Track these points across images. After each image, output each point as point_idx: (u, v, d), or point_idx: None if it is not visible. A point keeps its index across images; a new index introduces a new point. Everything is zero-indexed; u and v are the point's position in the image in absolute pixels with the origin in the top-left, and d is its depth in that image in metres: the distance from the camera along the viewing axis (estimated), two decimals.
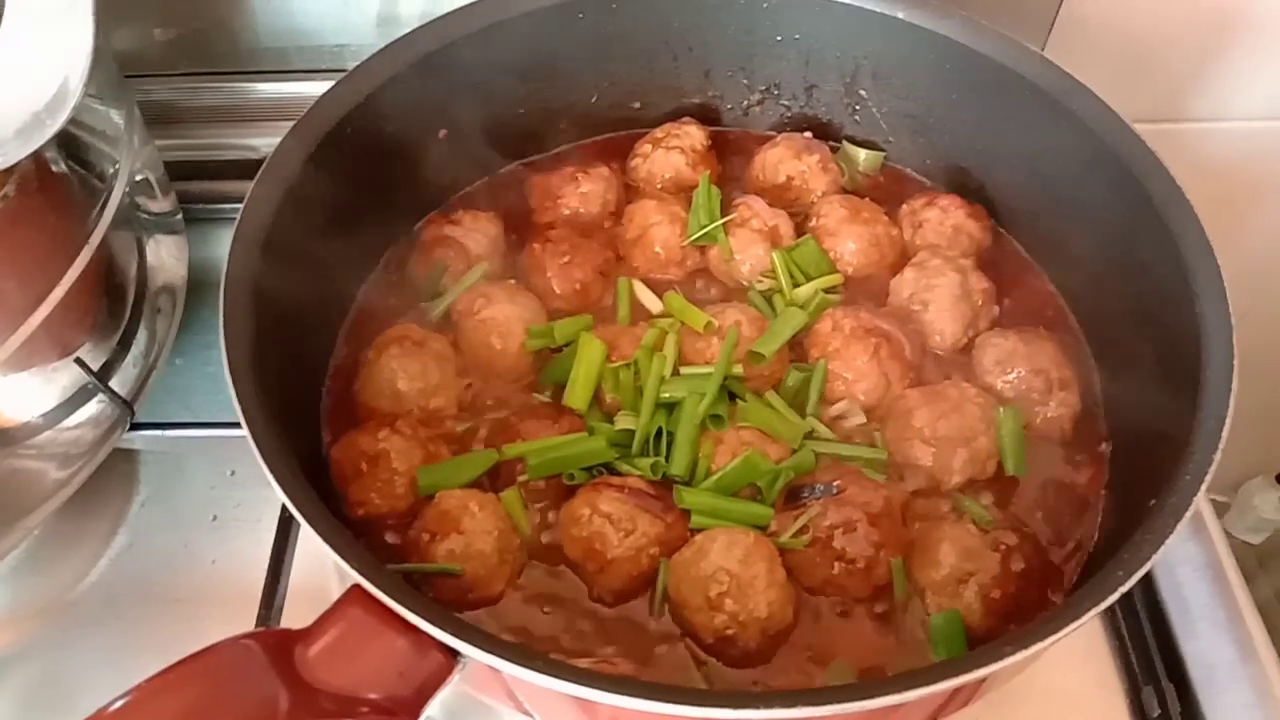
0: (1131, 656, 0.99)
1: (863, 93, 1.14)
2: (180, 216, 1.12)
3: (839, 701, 0.64)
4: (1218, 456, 0.75)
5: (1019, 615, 0.84)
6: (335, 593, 0.72)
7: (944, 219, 1.06)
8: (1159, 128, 0.94)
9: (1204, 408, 0.79)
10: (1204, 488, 0.74)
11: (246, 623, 1.01)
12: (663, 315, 1.01)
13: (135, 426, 1.03)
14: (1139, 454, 0.90)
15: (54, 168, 0.91)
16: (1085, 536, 0.91)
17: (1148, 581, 1.03)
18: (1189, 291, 0.86)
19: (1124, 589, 0.69)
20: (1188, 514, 0.73)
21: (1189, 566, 1.02)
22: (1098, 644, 1.00)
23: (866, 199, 1.10)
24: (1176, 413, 0.81)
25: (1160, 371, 0.88)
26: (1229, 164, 1.44)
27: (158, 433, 1.11)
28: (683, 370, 0.95)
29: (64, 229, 0.90)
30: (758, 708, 0.63)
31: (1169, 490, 0.75)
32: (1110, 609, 1.01)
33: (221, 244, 0.86)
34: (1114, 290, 0.98)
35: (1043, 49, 1.01)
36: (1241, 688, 0.95)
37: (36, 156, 0.83)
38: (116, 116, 0.97)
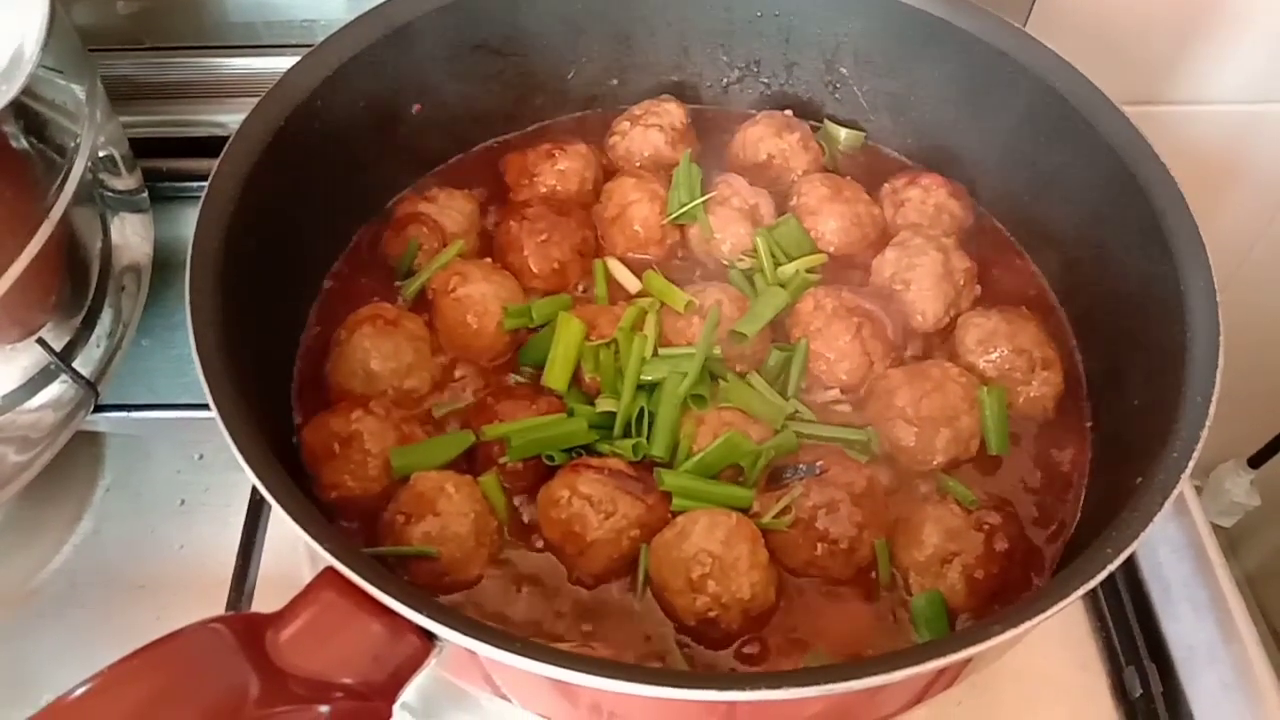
0: (1114, 637, 1.00)
1: (843, 70, 1.12)
2: (146, 194, 1.10)
3: (825, 683, 0.62)
4: (1204, 434, 0.75)
5: (1002, 596, 0.83)
6: (307, 578, 0.70)
7: (925, 198, 1.05)
8: (1137, 110, 0.93)
9: (1189, 385, 0.78)
10: (1191, 466, 0.73)
11: (215, 610, 0.99)
12: (641, 295, 1.00)
13: (99, 409, 1.01)
14: (1122, 433, 0.89)
15: (12, 143, 0.88)
16: (1068, 516, 0.90)
17: (1129, 563, 1.02)
18: (1172, 269, 0.85)
19: (1112, 567, 0.69)
20: (1175, 492, 0.72)
21: (1170, 547, 1.03)
22: (1080, 625, 1.00)
23: (848, 178, 1.08)
24: (1161, 391, 0.81)
25: (1144, 349, 0.87)
26: (1205, 147, 1.44)
27: (123, 415, 1.09)
28: (663, 351, 0.93)
29: (22, 205, 0.87)
30: (744, 689, 0.62)
31: (1155, 468, 0.74)
32: (1092, 590, 1.01)
33: (188, 222, 0.84)
34: (1096, 268, 0.98)
35: None
36: (1223, 667, 0.96)
37: None
38: (78, 91, 0.95)
